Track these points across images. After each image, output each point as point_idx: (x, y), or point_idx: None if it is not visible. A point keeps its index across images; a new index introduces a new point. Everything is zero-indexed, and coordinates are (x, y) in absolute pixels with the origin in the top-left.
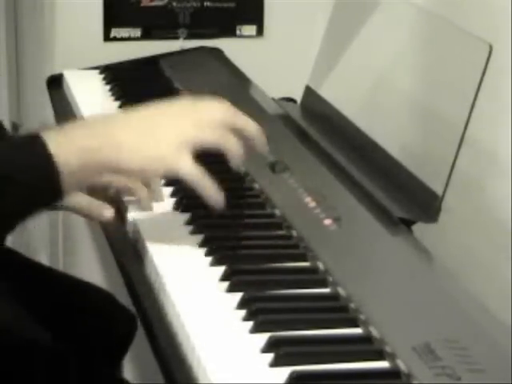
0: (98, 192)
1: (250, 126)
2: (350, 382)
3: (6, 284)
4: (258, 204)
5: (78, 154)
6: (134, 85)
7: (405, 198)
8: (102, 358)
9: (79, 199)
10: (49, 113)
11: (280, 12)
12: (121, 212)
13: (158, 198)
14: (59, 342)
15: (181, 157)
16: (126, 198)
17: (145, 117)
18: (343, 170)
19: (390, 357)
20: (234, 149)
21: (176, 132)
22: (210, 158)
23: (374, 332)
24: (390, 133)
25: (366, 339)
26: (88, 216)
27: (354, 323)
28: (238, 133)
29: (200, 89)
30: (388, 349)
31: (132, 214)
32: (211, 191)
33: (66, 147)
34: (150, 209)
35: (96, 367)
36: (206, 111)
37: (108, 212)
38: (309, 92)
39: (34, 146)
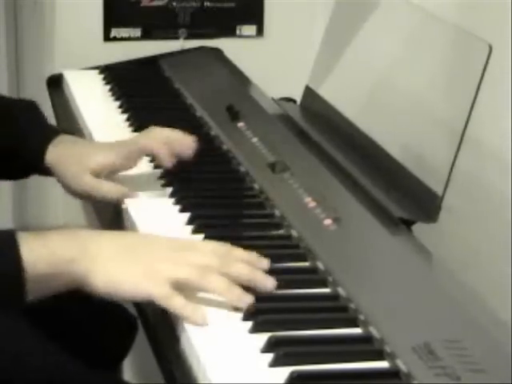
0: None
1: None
2: (350, 382)
3: None
4: (257, 204)
5: (48, 261)
6: (134, 85)
7: (405, 198)
8: (101, 360)
9: (106, 189)
10: (49, 113)
11: (280, 12)
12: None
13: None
14: (57, 343)
15: (154, 287)
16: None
17: (128, 244)
18: (343, 170)
19: (390, 357)
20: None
21: (153, 265)
22: (209, 158)
23: (374, 332)
24: (389, 133)
25: (366, 339)
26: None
27: (353, 323)
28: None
29: (200, 88)
30: (388, 349)
31: (132, 215)
32: (189, 314)
33: (37, 252)
34: None
35: (96, 369)
36: (193, 255)
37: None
38: (309, 92)
39: (6, 246)
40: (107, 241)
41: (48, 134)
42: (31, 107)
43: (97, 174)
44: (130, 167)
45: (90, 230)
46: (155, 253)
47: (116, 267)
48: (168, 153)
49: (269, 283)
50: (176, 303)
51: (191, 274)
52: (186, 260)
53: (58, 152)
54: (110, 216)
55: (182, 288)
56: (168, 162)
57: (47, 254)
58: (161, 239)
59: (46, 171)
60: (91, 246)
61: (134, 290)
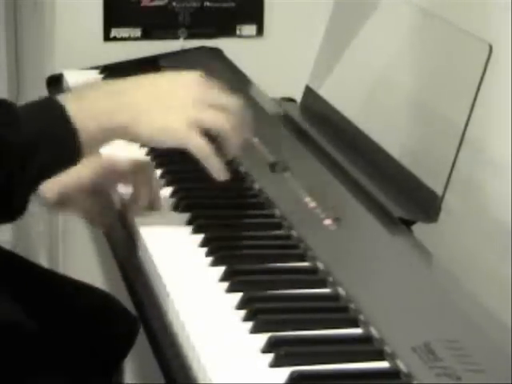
0: (102, 197)
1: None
2: (350, 382)
3: (5, 286)
4: (257, 204)
5: (95, 116)
6: None
7: (405, 198)
8: (102, 361)
9: (85, 204)
10: None
11: (280, 12)
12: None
13: (158, 205)
14: (59, 343)
15: (191, 131)
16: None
17: (159, 88)
18: (343, 170)
19: (390, 357)
20: (234, 135)
21: (188, 109)
22: None
23: (374, 332)
24: (389, 133)
25: (366, 339)
26: (91, 222)
27: (353, 323)
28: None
29: None
30: (388, 349)
31: (132, 215)
32: (216, 165)
33: (83, 111)
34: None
35: (96, 370)
36: (213, 95)
37: (108, 221)
38: (309, 92)
39: (53, 111)
40: (140, 85)
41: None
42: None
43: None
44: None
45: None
46: (188, 101)
47: (158, 112)
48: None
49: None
50: (212, 157)
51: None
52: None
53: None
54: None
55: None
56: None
57: (93, 111)
58: (189, 85)
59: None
60: (131, 99)
61: (175, 137)
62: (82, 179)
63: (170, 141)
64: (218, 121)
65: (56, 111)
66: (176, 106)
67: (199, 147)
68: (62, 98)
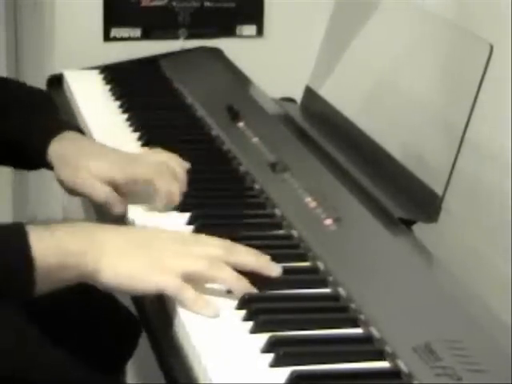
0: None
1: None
2: (350, 382)
3: None
4: (257, 204)
5: (57, 253)
6: (134, 85)
7: (405, 198)
8: (105, 363)
9: (98, 187)
10: None
11: (280, 12)
12: None
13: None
14: (61, 346)
15: (166, 280)
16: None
17: (135, 238)
18: (343, 170)
19: (391, 357)
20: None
21: (163, 258)
22: (209, 158)
23: (375, 332)
24: (390, 133)
25: (367, 339)
26: (103, 206)
27: (354, 323)
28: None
29: (200, 88)
30: (388, 349)
31: (132, 215)
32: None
33: (46, 244)
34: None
35: (99, 372)
36: (199, 248)
37: (121, 207)
38: (309, 92)
39: (16, 237)
40: (114, 234)
41: (52, 129)
42: (41, 99)
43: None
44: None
45: (96, 223)
46: (163, 246)
47: (125, 261)
48: (166, 191)
49: (275, 268)
50: (189, 296)
51: (201, 265)
52: (194, 252)
53: (60, 149)
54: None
55: (191, 281)
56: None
57: (56, 247)
58: (167, 233)
59: (50, 166)
60: (99, 240)
61: (145, 284)
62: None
63: (139, 287)
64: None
65: (18, 237)
66: (154, 253)
67: (177, 289)
68: (29, 228)
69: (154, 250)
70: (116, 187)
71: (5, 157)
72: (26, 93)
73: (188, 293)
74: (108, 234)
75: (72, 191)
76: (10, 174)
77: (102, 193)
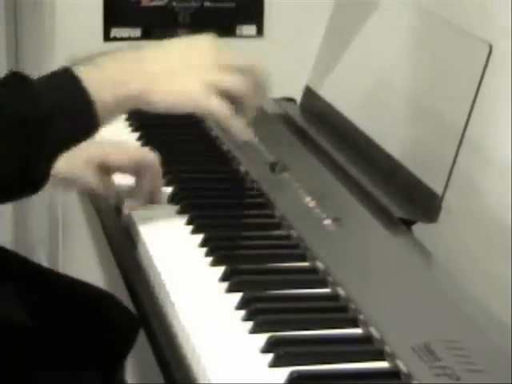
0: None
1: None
2: (350, 382)
3: (4, 285)
4: (257, 204)
5: (110, 87)
6: None
7: (405, 198)
8: (103, 360)
9: (91, 176)
10: None
11: (280, 12)
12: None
13: (160, 199)
14: (60, 343)
15: (209, 94)
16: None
17: (172, 53)
18: (343, 170)
19: (390, 357)
20: (252, 96)
21: (204, 73)
22: (209, 158)
23: (374, 332)
24: (389, 133)
25: (366, 339)
26: (97, 194)
27: (353, 323)
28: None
29: None
30: (388, 349)
31: (132, 215)
32: (238, 126)
33: (99, 82)
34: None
35: (97, 369)
36: (227, 57)
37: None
38: (309, 92)
39: (68, 82)
40: (155, 55)
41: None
42: None
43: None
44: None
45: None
46: (203, 65)
47: (174, 78)
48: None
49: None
50: (232, 116)
51: (243, 84)
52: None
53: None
54: (112, 217)
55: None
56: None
57: (108, 82)
58: (202, 49)
59: None
60: (145, 65)
61: (193, 101)
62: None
63: (187, 105)
64: (235, 82)
65: (71, 83)
66: (191, 70)
67: (220, 109)
68: (77, 69)
69: (193, 67)
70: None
71: None
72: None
73: (229, 112)
74: (152, 60)
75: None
76: None
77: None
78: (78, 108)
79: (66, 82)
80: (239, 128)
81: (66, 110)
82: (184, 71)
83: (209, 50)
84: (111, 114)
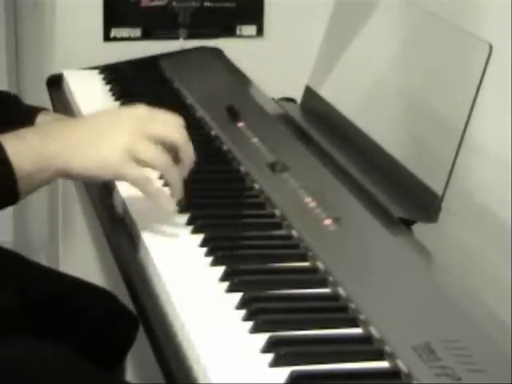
0: None
1: (188, 151)
2: (350, 382)
3: (4, 285)
4: (257, 204)
5: (33, 159)
6: (134, 85)
7: (405, 198)
8: (102, 358)
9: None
10: None
11: (280, 12)
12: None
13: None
14: (60, 342)
15: (126, 161)
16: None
17: (96, 123)
18: (343, 170)
19: (390, 357)
20: (170, 174)
21: (124, 140)
22: (210, 158)
23: (374, 332)
24: (389, 133)
25: (366, 339)
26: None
27: (353, 323)
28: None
29: (200, 88)
30: (388, 349)
31: (132, 215)
32: (159, 195)
33: (22, 153)
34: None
35: (97, 368)
36: (156, 125)
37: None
38: (309, 92)
39: None
40: (77, 129)
41: (34, 109)
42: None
43: None
44: None
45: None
46: (123, 134)
47: (92, 150)
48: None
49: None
50: (150, 183)
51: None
52: (150, 135)
53: (48, 120)
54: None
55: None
56: None
57: (30, 153)
58: (123, 114)
59: None
60: (65, 138)
61: (110, 170)
62: None
63: (104, 172)
64: (153, 155)
65: None
66: (111, 139)
67: (136, 177)
68: (2, 139)
69: (113, 137)
70: None
71: None
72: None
73: (151, 186)
74: (71, 131)
75: None
76: None
77: None
78: (1, 183)
79: None
80: (160, 198)
81: None
82: (104, 137)
83: (136, 118)
84: (32, 184)
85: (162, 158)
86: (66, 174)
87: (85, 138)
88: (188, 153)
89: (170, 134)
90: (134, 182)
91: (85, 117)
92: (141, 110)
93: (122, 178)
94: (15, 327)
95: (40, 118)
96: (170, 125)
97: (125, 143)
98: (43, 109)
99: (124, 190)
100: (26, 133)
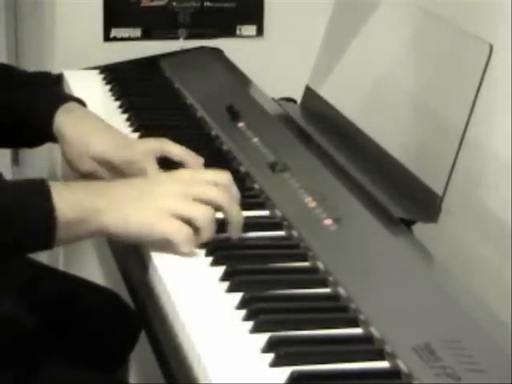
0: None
1: (235, 216)
2: (350, 382)
3: (6, 284)
4: (258, 204)
5: (76, 208)
6: (134, 85)
7: (405, 198)
8: (105, 358)
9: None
10: None
11: (280, 12)
12: None
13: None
14: (62, 340)
15: (165, 219)
16: None
17: (146, 182)
18: (343, 170)
19: (391, 357)
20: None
21: (164, 202)
22: (210, 159)
23: (375, 332)
24: (390, 133)
25: (367, 339)
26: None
27: (354, 323)
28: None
29: (200, 88)
30: (388, 349)
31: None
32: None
33: (66, 198)
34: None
35: (99, 367)
36: (200, 187)
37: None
38: (309, 92)
39: (39, 193)
40: (123, 188)
41: (57, 100)
42: (44, 75)
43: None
44: (130, 172)
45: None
46: (167, 196)
47: (133, 213)
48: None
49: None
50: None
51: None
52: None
53: (66, 122)
54: None
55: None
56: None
57: (74, 203)
58: (168, 178)
59: (54, 138)
60: (110, 196)
61: (154, 232)
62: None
63: (143, 233)
64: (199, 213)
65: (42, 194)
66: (153, 201)
67: (177, 233)
68: (50, 184)
69: (159, 199)
70: (112, 166)
71: (9, 134)
72: (29, 74)
73: (183, 234)
74: (117, 190)
75: (79, 173)
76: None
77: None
78: (39, 220)
79: (38, 195)
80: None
81: (27, 222)
82: (147, 200)
83: (180, 181)
84: (69, 238)
85: (206, 214)
86: (106, 231)
87: (129, 198)
88: (232, 215)
89: (214, 196)
90: (174, 238)
91: (131, 179)
92: (184, 173)
93: (161, 235)
94: (16, 327)
95: (58, 121)
96: (214, 185)
97: (167, 205)
98: (65, 98)
99: None
100: (71, 183)
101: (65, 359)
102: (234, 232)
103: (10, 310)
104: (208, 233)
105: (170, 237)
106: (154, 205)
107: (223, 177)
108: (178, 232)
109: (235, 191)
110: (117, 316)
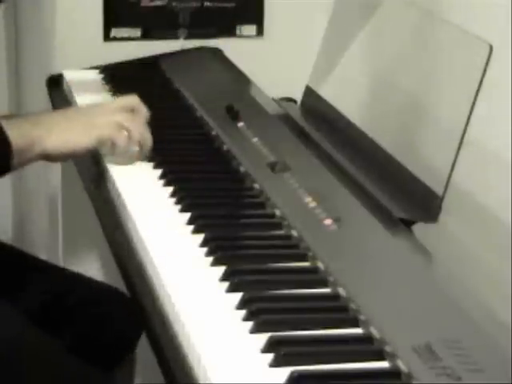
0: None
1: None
2: (350, 382)
3: (5, 282)
4: (258, 204)
5: (25, 138)
6: (134, 85)
7: (405, 198)
8: (108, 354)
9: None
10: None
11: (280, 12)
12: None
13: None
14: (62, 338)
15: (105, 127)
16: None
17: (71, 114)
18: (343, 170)
19: (391, 357)
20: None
21: (100, 119)
22: (210, 159)
23: (375, 332)
24: (390, 133)
25: (367, 339)
26: None
27: (354, 323)
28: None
29: (200, 88)
30: (388, 349)
31: (133, 216)
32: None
33: (16, 132)
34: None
35: (101, 364)
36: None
37: None
38: (309, 92)
39: None
40: (57, 116)
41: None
42: None
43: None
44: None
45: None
46: (94, 116)
47: (65, 132)
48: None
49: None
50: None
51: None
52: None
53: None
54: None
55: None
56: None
57: (23, 133)
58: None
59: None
60: (47, 124)
61: (83, 140)
62: None
63: (78, 143)
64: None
65: None
66: (85, 122)
67: (121, 137)
68: (3, 122)
69: (85, 119)
70: None
71: None
72: None
73: (122, 137)
74: (52, 118)
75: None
76: None
77: None
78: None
79: None
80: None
81: None
82: (82, 118)
83: (113, 106)
84: (21, 159)
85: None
86: (46, 155)
87: (64, 121)
88: (143, 137)
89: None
90: (117, 139)
91: (66, 109)
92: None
93: (97, 140)
94: (15, 325)
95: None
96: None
97: (101, 119)
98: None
99: (124, 189)
100: (15, 117)
101: (64, 354)
102: (140, 154)
103: (7, 309)
104: (146, 141)
105: (108, 136)
106: (90, 121)
107: (129, 101)
108: (115, 131)
109: (144, 111)
110: (119, 312)
